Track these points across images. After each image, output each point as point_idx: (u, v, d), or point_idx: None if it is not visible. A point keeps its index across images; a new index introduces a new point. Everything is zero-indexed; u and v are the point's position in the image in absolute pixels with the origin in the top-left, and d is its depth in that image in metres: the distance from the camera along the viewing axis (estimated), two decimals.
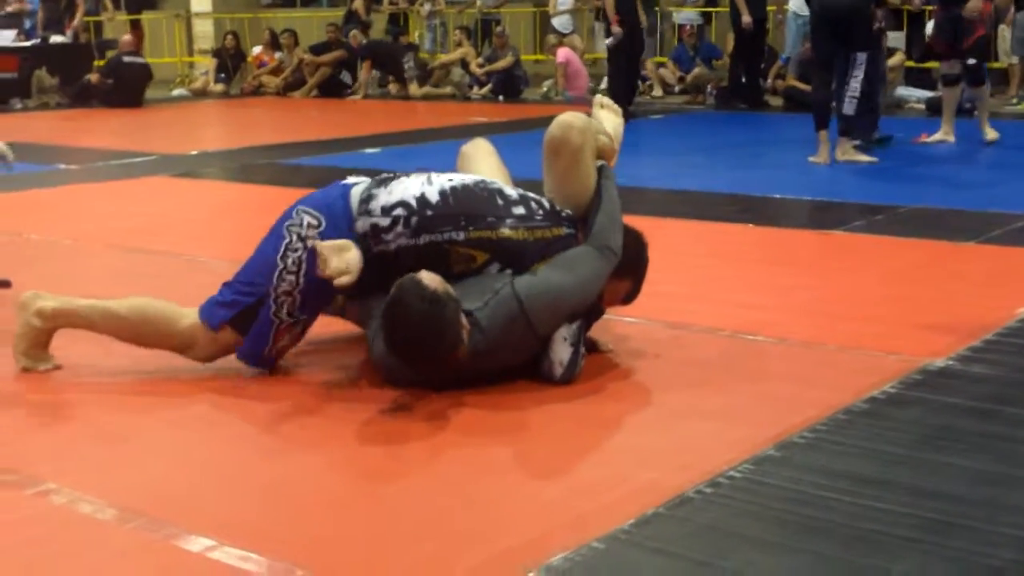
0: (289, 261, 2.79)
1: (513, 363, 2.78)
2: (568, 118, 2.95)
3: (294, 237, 2.80)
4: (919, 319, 3.38)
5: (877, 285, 3.84)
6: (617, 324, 3.27)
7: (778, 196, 5.71)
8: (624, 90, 10.24)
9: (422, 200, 2.82)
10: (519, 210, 2.86)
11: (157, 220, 5.45)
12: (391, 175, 2.94)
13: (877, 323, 3.34)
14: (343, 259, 2.65)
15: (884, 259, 4.27)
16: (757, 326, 3.30)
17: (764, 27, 10.58)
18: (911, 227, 4.79)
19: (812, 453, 2.35)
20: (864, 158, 6.81)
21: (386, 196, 2.82)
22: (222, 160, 7.94)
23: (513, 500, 2.18)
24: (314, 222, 2.80)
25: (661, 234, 4.88)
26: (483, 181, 2.95)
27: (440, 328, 2.55)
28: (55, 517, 2.12)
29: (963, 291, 3.73)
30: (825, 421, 2.51)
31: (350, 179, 2.96)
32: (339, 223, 2.79)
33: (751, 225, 4.99)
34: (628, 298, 3.08)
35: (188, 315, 2.89)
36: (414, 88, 12.92)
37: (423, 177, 2.90)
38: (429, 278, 2.60)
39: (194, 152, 8.34)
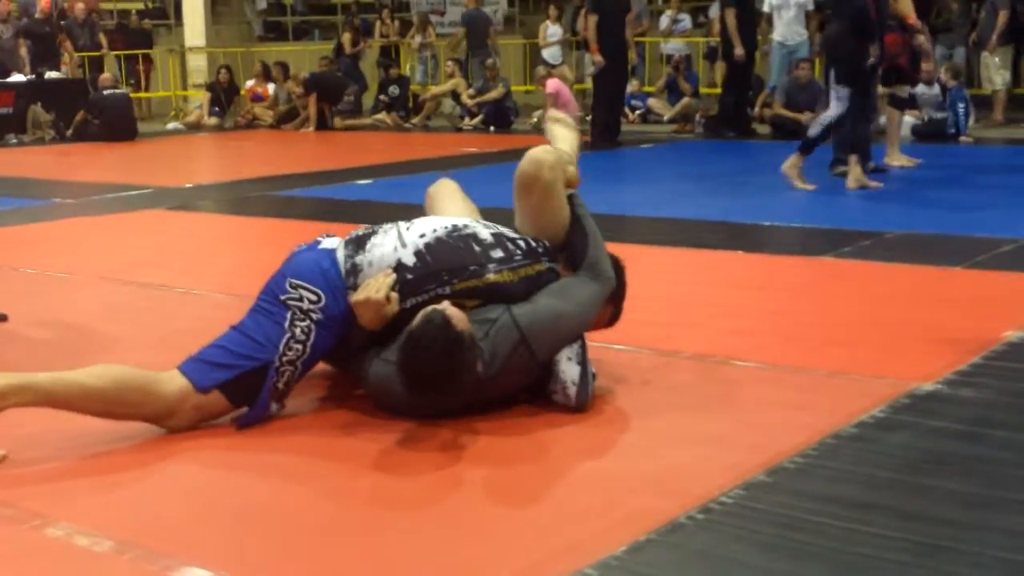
0: (298, 331, 2.73)
1: (514, 389, 2.82)
2: (538, 154, 2.95)
3: (297, 311, 2.74)
4: (907, 343, 3.42)
5: (865, 310, 3.88)
6: (607, 352, 3.29)
7: (766, 223, 5.76)
8: (609, 120, 10.35)
9: (400, 267, 2.79)
10: (497, 253, 2.86)
11: (152, 253, 5.48)
12: (363, 233, 2.90)
13: (865, 348, 3.37)
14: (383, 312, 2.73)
15: (872, 284, 4.31)
16: (746, 352, 3.33)
17: (753, 58, 10.69)
18: (898, 252, 4.83)
19: (802, 478, 2.37)
20: (872, 183, 6.94)
21: (367, 268, 2.80)
22: (217, 193, 7.98)
23: (505, 527, 2.20)
24: (313, 297, 2.75)
25: (650, 262, 4.95)
26: (455, 228, 2.90)
27: (459, 370, 2.58)
28: (52, 550, 2.13)
29: (950, 315, 3.77)
30: (815, 446, 2.54)
31: (324, 241, 2.90)
32: (337, 295, 2.77)
33: (740, 252, 5.03)
34: (610, 322, 3.12)
35: (170, 378, 2.69)
36: (338, 121, 13.15)
37: (394, 238, 2.85)
38: (457, 318, 2.60)
39: (189, 185, 8.38)
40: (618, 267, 3.08)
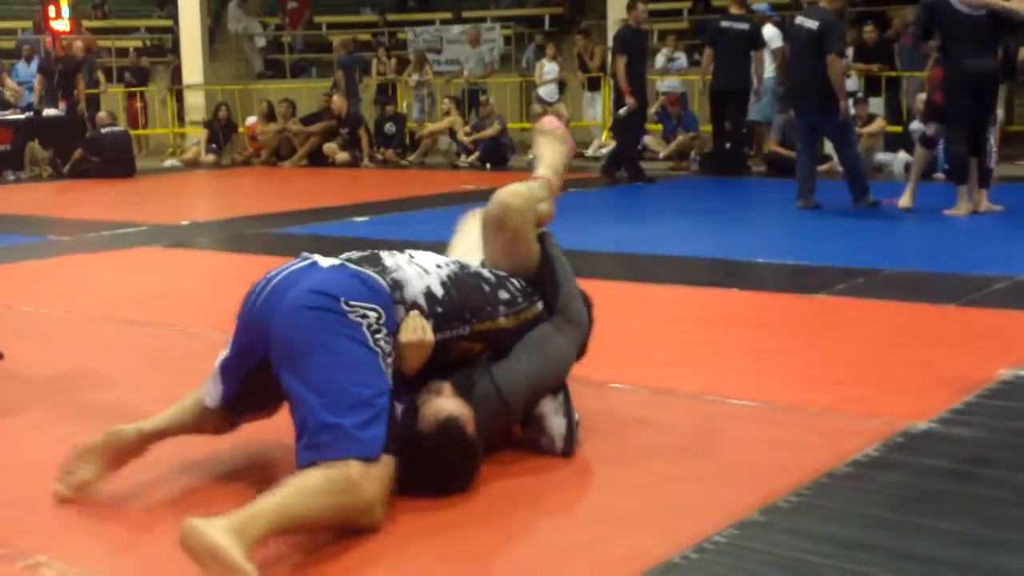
0: (383, 344, 2.46)
1: (494, 444, 2.78)
2: (505, 198, 2.87)
3: (370, 326, 2.46)
4: (901, 382, 3.43)
5: (859, 348, 3.89)
6: (602, 390, 3.30)
7: (761, 260, 5.79)
8: (634, 158, 10.48)
9: (430, 296, 2.63)
10: (504, 295, 2.80)
11: (149, 290, 5.49)
12: (366, 255, 2.71)
13: (859, 386, 3.38)
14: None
15: (865, 322, 4.33)
16: (741, 390, 3.34)
17: (746, 97, 10.73)
18: (892, 290, 4.85)
19: (796, 517, 2.37)
20: (996, 207, 7.26)
21: (406, 284, 2.61)
22: (214, 230, 8.00)
23: (497, 566, 2.20)
24: (374, 315, 2.47)
25: (646, 299, 4.97)
26: (463, 266, 2.81)
27: (472, 471, 2.59)
28: None
29: (944, 353, 3.79)
30: (809, 485, 2.54)
31: (321, 260, 2.63)
32: (389, 311, 2.53)
33: (735, 289, 5.06)
34: (577, 358, 3.06)
35: (345, 473, 2.24)
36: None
37: (407, 261, 2.70)
38: (467, 419, 2.54)
39: (185, 222, 8.40)
40: (587, 303, 3.05)
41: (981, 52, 6.94)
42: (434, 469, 2.51)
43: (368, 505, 2.26)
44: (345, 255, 2.69)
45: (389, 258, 2.71)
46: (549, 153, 3.25)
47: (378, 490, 2.28)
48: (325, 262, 2.61)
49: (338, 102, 13.50)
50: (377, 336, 2.44)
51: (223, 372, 2.63)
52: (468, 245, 3.15)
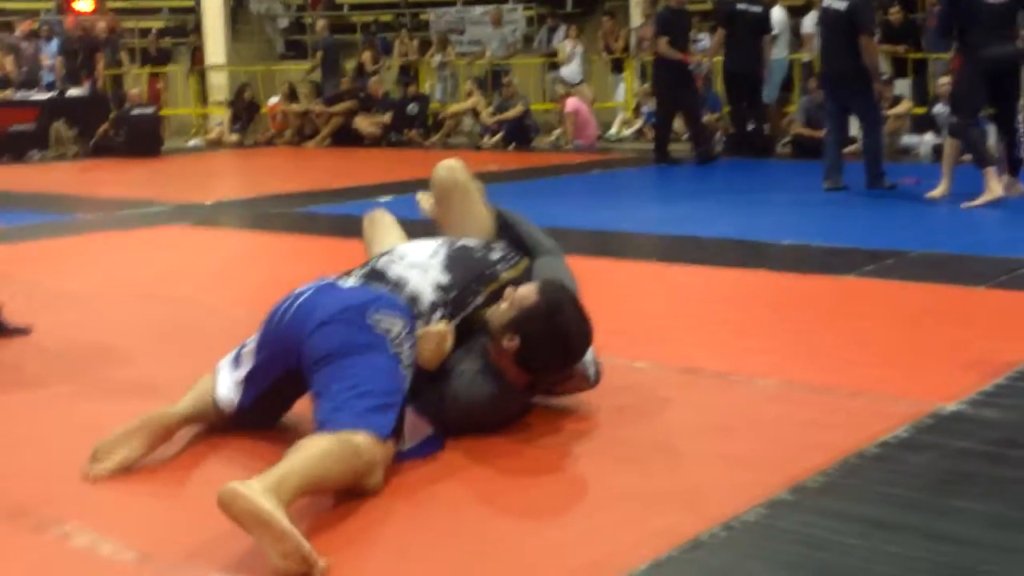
0: (404, 358, 2.60)
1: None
2: (450, 161, 3.20)
3: (394, 338, 2.60)
4: (930, 363, 3.40)
5: (888, 329, 3.86)
6: (628, 370, 3.29)
7: (788, 242, 5.75)
8: (701, 134, 10.45)
9: (440, 287, 2.83)
10: (495, 255, 3.01)
11: (174, 269, 5.51)
12: (367, 271, 2.86)
13: (888, 367, 3.36)
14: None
15: (894, 304, 4.29)
16: (768, 370, 3.32)
17: (759, 78, 10.64)
18: (921, 272, 4.81)
19: (825, 497, 2.36)
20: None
21: (420, 296, 2.78)
22: (238, 209, 8.03)
23: (526, 544, 2.19)
24: (399, 325, 2.64)
25: (671, 279, 4.95)
26: (447, 244, 2.97)
27: (588, 325, 2.80)
28: (76, 559, 2.14)
29: (973, 335, 3.75)
30: (837, 465, 2.53)
31: (347, 281, 2.82)
32: (409, 324, 2.69)
33: (761, 270, 5.02)
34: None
35: (352, 439, 2.33)
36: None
37: (407, 266, 2.85)
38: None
39: (210, 202, 8.43)
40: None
41: (1001, 38, 6.85)
42: (579, 324, 2.73)
43: (370, 467, 2.35)
44: (355, 275, 2.86)
45: (389, 269, 2.85)
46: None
47: (380, 457, 2.38)
48: (345, 284, 2.81)
49: (375, 85, 13.53)
50: (399, 347, 2.60)
51: (246, 383, 2.76)
52: (395, 236, 3.24)
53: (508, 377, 2.75)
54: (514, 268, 3.01)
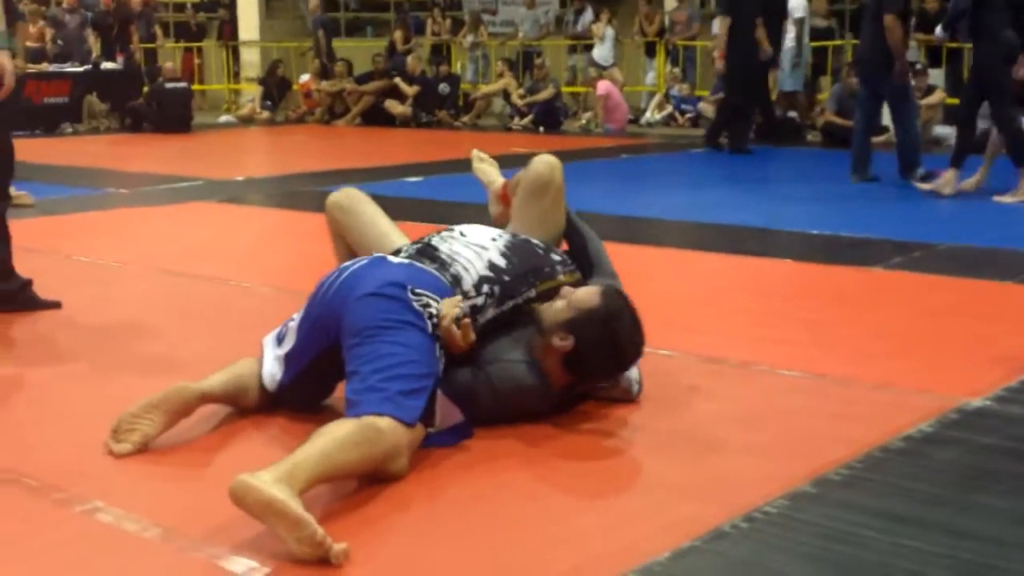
0: (441, 339, 2.58)
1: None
2: (550, 159, 3.07)
3: (427, 317, 2.57)
4: (956, 358, 3.38)
5: (914, 323, 3.84)
6: (652, 357, 3.28)
7: (815, 232, 5.71)
8: (766, 120, 10.32)
9: (495, 267, 2.80)
10: (556, 256, 2.96)
11: (203, 245, 5.55)
12: (421, 247, 2.86)
13: (913, 361, 3.34)
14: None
15: (921, 297, 4.26)
16: (792, 361, 3.31)
17: (765, 68, 10.42)
18: (949, 265, 4.77)
19: (847, 490, 2.36)
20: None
21: (466, 275, 2.77)
22: (268, 187, 8.06)
23: (549, 531, 2.21)
24: (438, 304, 2.62)
25: (696, 267, 4.94)
26: (516, 235, 2.96)
27: (640, 330, 2.78)
28: (101, 535, 2.17)
29: (1001, 330, 3.72)
30: (861, 458, 2.52)
31: (416, 263, 2.78)
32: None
33: (788, 260, 5.00)
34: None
35: (376, 423, 2.31)
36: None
37: (464, 244, 2.85)
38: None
39: (240, 178, 8.47)
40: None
41: (1018, 24, 6.75)
42: (628, 333, 2.70)
43: (394, 451, 2.32)
44: (405, 251, 2.86)
45: (443, 245, 2.84)
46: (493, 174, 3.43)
47: (405, 442, 2.36)
48: (395, 259, 2.80)
49: (413, 63, 13.53)
50: (436, 327, 2.57)
51: (287, 360, 2.76)
52: (385, 226, 3.14)
53: (550, 376, 2.71)
54: (571, 275, 2.94)
